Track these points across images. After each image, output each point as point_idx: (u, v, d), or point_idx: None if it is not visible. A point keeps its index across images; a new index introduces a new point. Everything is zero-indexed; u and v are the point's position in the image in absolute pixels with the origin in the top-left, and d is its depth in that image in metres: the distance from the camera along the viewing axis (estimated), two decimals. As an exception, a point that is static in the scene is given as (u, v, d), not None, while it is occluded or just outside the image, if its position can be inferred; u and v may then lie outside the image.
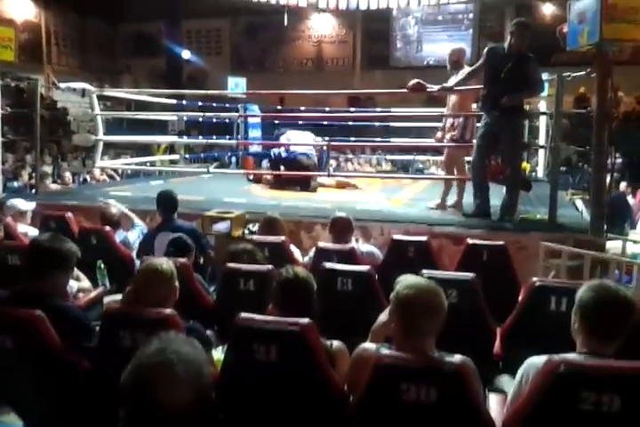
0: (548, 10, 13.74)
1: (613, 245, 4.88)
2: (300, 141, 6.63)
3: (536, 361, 1.80)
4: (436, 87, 5.13)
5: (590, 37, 4.06)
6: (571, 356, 1.72)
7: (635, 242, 4.93)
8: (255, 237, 3.88)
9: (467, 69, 5.04)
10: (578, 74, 4.70)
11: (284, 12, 13.33)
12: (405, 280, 1.93)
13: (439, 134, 5.53)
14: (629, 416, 1.59)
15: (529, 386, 1.76)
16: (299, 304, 2.14)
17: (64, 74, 14.76)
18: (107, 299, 3.28)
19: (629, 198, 7.10)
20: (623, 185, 7.60)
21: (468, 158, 5.26)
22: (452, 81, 5.09)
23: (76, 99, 8.63)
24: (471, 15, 15.19)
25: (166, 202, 4.08)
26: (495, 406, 2.05)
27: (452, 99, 5.25)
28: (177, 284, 2.22)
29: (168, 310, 1.93)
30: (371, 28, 15.87)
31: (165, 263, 2.20)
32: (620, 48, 4.26)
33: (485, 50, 4.74)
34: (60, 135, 10.05)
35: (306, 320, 1.88)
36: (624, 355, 1.83)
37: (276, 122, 7.88)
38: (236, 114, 7.39)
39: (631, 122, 12.09)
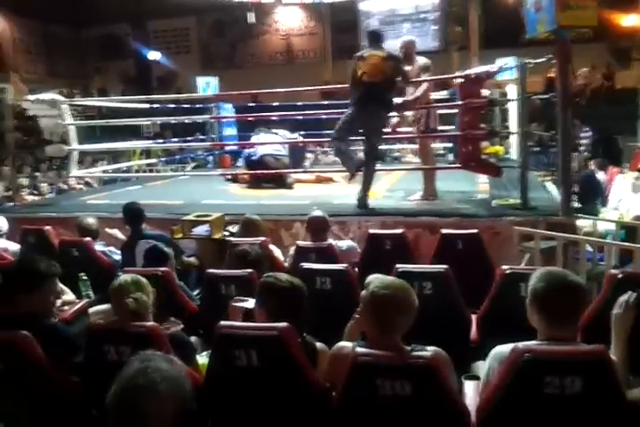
0: (511, -8, 13.82)
1: (586, 224, 5.03)
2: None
3: (502, 350, 1.89)
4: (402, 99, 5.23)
5: (548, 25, 4.16)
6: (533, 343, 1.82)
7: (604, 220, 5.08)
8: (234, 239, 3.94)
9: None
10: (539, 60, 4.80)
11: (250, 8, 13.28)
12: (377, 280, 2.00)
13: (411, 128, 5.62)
14: (590, 395, 1.70)
15: (497, 374, 1.86)
16: (297, 312, 2.14)
17: (33, 82, 14.55)
18: (91, 310, 3.33)
19: (600, 175, 7.24)
20: (593, 163, 7.75)
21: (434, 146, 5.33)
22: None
23: (47, 108, 8.55)
24: (434, 14, 15.25)
25: (133, 214, 4.13)
26: (471, 393, 2.15)
27: (411, 91, 5.31)
28: (148, 291, 2.26)
29: (149, 323, 1.99)
30: (339, 18, 15.84)
31: (129, 277, 2.26)
32: (578, 33, 4.33)
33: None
34: (32, 145, 9.91)
35: (283, 324, 1.95)
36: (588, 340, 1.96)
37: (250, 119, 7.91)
38: (208, 116, 7.41)
39: (599, 98, 12.30)
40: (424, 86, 5.13)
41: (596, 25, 4.14)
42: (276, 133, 6.93)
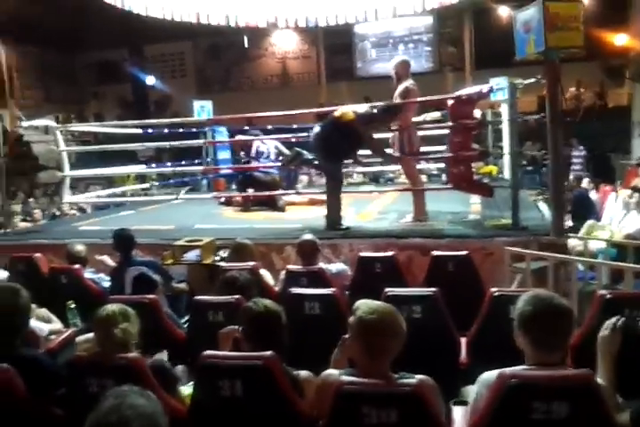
0: (504, 12, 14.03)
1: (578, 243, 5.02)
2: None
3: (490, 376, 1.86)
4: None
5: (537, 46, 4.21)
6: (520, 368, 1.79)
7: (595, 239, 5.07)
8: (224, 264, 3.91)
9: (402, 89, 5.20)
10: (528, 81, 4.85)
11: (244, 32, 13.46)
12: (364, 306, 1.98)
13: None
14: (577, 420, 1.67)
15: (484, 400, 1.83)
16: (270, 337, 2.13)
17: (29, 108, 14.66)
18: (79, 338, 3.29)
19: (592, 193, 7.25)
20: (586, 181, 7.78)
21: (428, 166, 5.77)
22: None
23: (42, 134, 8.60)
24: (427, 36, 15.53)
25: (122, 241, 4.12)
26: (459, 418, 2.11)
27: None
28: (134, 322, 2.23)
29: (131, 355, 1.96)
30: (333, 41, 16.07)
31: (116, 307, 2.23)
32: (566, 54, 4.38)
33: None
34: (27, 170, 9.93)
35: (268, 353, 1.92)
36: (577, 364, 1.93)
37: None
38: (201, 141, 7.51)
39: (592, 116, 12.42)
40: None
41: (582, 45, 4.19)
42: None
